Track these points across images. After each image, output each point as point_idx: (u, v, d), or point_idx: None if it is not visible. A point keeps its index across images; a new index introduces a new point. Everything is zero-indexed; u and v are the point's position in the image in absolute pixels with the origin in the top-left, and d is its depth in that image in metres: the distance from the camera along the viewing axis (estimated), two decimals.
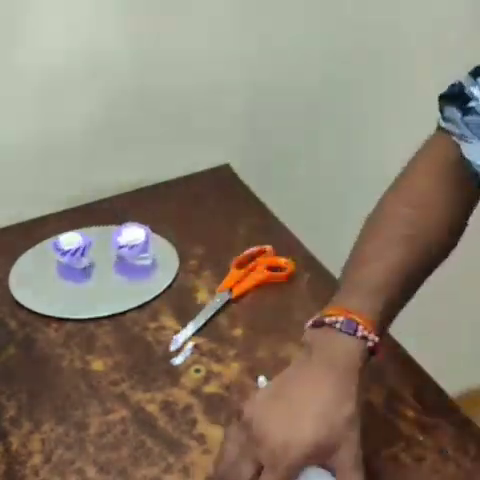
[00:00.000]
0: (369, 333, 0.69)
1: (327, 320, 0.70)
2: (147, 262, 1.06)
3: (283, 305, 1.00)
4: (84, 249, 1.04)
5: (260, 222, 1.15)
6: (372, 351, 0.70)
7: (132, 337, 0.96)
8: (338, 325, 0.69)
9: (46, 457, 0.81)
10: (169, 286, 1.04)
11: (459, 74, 0.83)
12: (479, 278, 1.58)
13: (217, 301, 1.00)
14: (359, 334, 0.69)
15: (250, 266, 1.04)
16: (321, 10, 1.24)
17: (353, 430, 0.67)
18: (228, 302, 1.00)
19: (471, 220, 0.83)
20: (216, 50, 1.21)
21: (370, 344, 0.70)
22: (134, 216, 1.11)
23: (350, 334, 0.69)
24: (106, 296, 1.02)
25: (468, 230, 0.83)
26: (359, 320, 0.69)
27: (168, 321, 0.98)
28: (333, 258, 1.11)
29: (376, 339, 0.70)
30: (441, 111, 0.83)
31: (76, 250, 1.04)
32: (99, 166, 1.21)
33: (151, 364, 0.92)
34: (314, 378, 0.69)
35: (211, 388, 0.88)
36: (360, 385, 0.68)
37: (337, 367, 0.68)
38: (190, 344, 0.94)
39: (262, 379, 0.87)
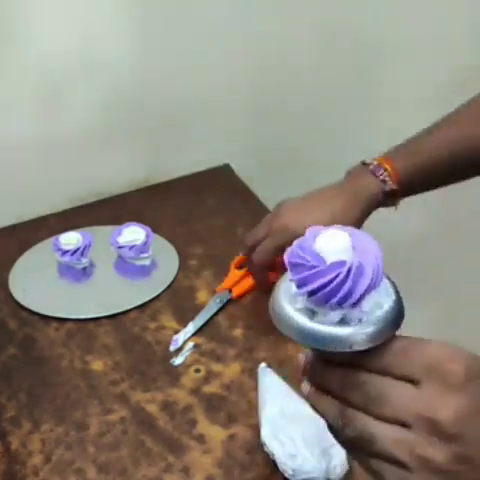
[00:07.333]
0: (390, 180, 0.87)
1: (368, 161, 0.89)
2: (147, 262, 1.06)
3: None
4: (84, 249, 1.04)
5: (260, 222, 1.15)
6: (390, 195, 0.88)
7: (132, 337, 0.96)
8: (371, 167, 0.88)
9: (46, 457, 0.81)
10: (169, 286, 1.04)
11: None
12: (478, 276, 1.58)
13: (217, 301, 1.00)
14: (381, 178, 0.87)
15: None
16: (321, 10, 1.24)
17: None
18: (228, 302, 1.00)
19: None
20: (216, 50, 1.21)
21: (387, 188, 0.87)
22: (134, 216, 1.11)
23: (375, 175, 0.88)
24: (106, 296, 1.02)
25: None
26: (388, 168, 0.87)
27: (168, 321, 0.98)
28: None
29: (394, 186, 0.87)
30: None
31: (76, 250, 1.04)
32: (99, 166, 1.21)
33: (151, 364, 0.92)
34: (333, 193, 0.89)
35: (211, 388, 0.88)
36: (365, 212, 0.87)
37: (354, 193, 0.87)
38: (190, 344, 0.94)
39: (263, 365, 0.87)
